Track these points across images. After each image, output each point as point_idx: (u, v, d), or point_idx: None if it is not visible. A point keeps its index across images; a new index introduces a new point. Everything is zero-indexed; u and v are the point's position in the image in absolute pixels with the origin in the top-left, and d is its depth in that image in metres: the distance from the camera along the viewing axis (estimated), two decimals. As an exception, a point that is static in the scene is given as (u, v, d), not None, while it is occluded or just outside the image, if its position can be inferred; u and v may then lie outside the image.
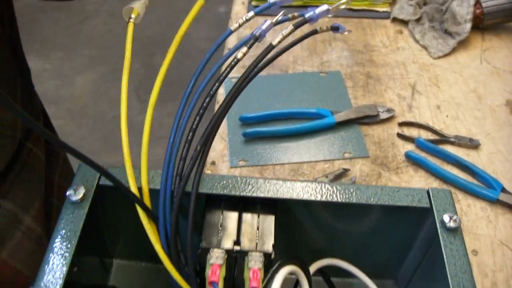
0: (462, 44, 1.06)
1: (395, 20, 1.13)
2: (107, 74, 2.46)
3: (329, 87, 0.98)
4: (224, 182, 0.43)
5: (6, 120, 0.55)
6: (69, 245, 0.38)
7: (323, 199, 0.42)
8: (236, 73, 0.90)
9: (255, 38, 0.37)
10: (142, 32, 2.76)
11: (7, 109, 0.51)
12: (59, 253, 0.38)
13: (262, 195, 0.42)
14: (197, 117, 0.37)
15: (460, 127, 0.92)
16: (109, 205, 0.45)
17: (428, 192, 0.43)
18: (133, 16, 0.43)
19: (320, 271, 0.48)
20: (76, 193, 0.41)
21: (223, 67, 0.38)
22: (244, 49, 0.37)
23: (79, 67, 2.48)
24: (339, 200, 0.42)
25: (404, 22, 1.12)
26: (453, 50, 1.06)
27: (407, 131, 0.91)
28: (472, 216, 0.80)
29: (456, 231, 0.41)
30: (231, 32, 0.40)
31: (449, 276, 0.37)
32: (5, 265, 0.55)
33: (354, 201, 0.42)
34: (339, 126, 0.91)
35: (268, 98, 0.96)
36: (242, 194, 0.42)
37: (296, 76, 1.01)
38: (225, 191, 0.42)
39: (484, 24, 1.08)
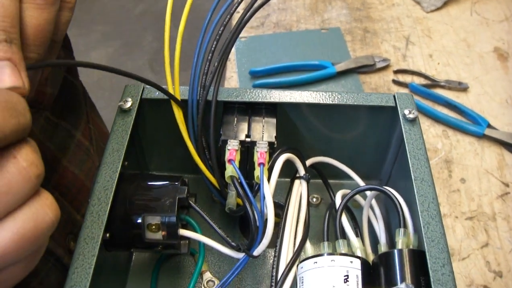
0: (454, -2, 1.17)
1: (390, -22, 1.24)
2: (121, 48, 2.58)
3: (330, 42, 1.10)
4: (237, 92, 0.56)
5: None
6: (122, 141, 0.51)
7: (313, 101, 0.55)
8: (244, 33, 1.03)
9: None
10: (152, 6, 2.87)
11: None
12: (115, 147, 0.51)
13: (266, 100, 0.55)
14: (215, 42, 0.50)
15: (450, 73, 1.03)
16: (148, 118, 0.58)
17: (394, 96, 0.56)
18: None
19: (314, 168, 0.61)
20: (125, 103, 0.55)
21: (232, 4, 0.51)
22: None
23: (94, 42, 2.60)
24: (325, 102, 0.55)
25: (399, -20, 1.23)
26: (445, 4, 1.16)
27: (402, 78, 1.03)
28: (461, 150, 0.91)
29: (414, 121, 0.53)
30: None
31: (407, 151, 0.50)
32: (66, 169, 0.69)
33: (336, 102, 0.55)
34: (339, 76, 1.03)
35: (274, 54, 1.08)
36: (250, 100, 0.55)
37: (299, 33, 1.13)
38: (237, 98, 0.55)
39: (474, -22, 1.19)
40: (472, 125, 0.93)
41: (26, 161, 0.35)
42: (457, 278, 0.74)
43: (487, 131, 0.91)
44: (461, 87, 1.00)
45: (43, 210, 0.36)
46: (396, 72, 1.04)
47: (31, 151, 0.36)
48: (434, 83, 1.00)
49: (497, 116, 0.95)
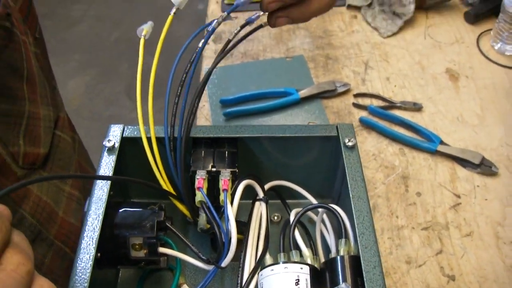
0: (409, 23, 1.29)
1: (350, 6, 1.36)
2: (98, 76, 2.67)
3: (294, 69, 1.21)
4: (204, 129, 0.67)
5: (46, 116, 0.78)
6: (108, 173, 0.62)
7: (267, 134, 0.67)
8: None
9: (218, 23, 0.61)
10: (127, 33, 2.96)
11: None
12: (102, 181, 0.62)
13: (227, 135, 0.67)
14: (184, 74, 0.61)
15: (406, 94, 1.14)
16: (129, 153, 0.69)
17: (336, 126, 0.68)
18: (143, 34, 0.67)
19: (274, 190, 0.73)
20: (109, 142, 0.65)
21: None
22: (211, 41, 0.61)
23: (71, 71, 2.69)
24: (278, 135, 0.67)
25: (358, 8, 1.35)
26: (401, 29, 1.28)
27: (361, 101, 1.14)
28: (416, 166, 1.01)
29: (353, 148, 0.65)
30: (206, 26, 0.63)
31: (347, 174, 0.62)
32: (63, 220, 0.79)
33: (287, 134, 0.66)
34: (303, 101, 1.14)
35: (243, 82, 1.19)
36: (215, 135, 0.67)
37: (265, 62, 1.24)
38: (203, 135, 0.67)
39: (427, 4, 1.30)
40: (426, 143, 1.03)
41: (12, 264, 0.37)
42: (414, 284, 0.85)
43: (440, 147, 1.02)
44: (416, 107, 1.10)
45: None
46: (356, 95, 1.14)
47: (15, 252, 0.38)
48: (391, 105, 1.11)
49: (449, 133, 1.06)
